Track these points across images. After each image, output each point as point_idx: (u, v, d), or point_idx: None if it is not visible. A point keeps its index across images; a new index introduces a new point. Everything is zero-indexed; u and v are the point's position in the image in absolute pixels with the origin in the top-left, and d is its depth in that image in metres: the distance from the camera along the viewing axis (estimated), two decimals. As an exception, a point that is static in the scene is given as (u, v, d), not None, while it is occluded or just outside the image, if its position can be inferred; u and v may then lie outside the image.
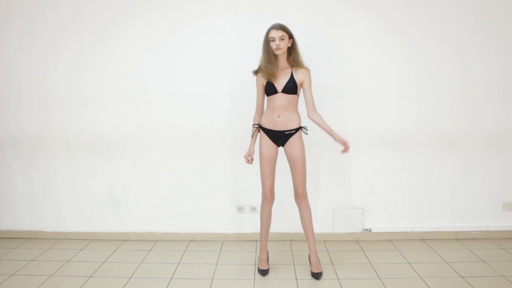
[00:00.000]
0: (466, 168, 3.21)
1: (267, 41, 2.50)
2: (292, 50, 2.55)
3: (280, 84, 2.53)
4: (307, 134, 2.65)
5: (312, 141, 3.16)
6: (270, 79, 2.52)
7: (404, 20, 3.07)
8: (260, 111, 2.66)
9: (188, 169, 3.25)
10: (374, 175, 3.22)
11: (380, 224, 3.28)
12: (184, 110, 3.19)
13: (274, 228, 3.26)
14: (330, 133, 2.58)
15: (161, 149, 3.24)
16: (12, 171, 3.33)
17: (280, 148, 2.65)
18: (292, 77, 2.53)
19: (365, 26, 3.07)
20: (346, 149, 2.57)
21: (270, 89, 2.54)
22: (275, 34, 2.46)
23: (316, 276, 2.62)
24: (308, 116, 2.62)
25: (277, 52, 2.49)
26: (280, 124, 2.55)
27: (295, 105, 2.59)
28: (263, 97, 2.63)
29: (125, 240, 3.33)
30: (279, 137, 2.58)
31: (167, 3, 3.09)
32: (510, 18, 3.07)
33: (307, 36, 3.06)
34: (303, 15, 3.06)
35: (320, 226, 3.27)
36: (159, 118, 3.21)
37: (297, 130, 2.59)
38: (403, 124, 3.16)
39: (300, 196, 2.62)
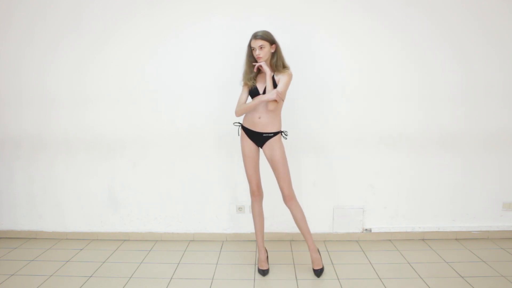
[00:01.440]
0: (466, 168, 3.21)
1: (249, 50, 2.53)
2: (274, 55, 2.54)
3: (262, 87, 2.54)
4: (286, 138, 2.68)
5: (312, 141, 3.17)
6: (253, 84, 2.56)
7: (404, 20, 3.07)
8: (239, 105, 2.62)
9: (188, 169, 3.25)
10: (374, 175, 3.22)
11: (380, 224, 3.28)
12: (184, 110, 3.19)
13: (275, 228, 3.27)
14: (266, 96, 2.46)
15: (161, 149, 3.24)
16: (12, 171, 3.33)
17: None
18: (274, 80, 2.53)
19: (366, 26, 3.07)
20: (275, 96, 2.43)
21: (253, 92, 2.57)
22: (254, 44, 2.49)
23: (317, 273, 2.64)
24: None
25: (259, 61, 2.50)
26: (259, 125, 2.56)
27: (278, 109, 2.58)
28: (247, 96, 2.62)
29: (125, 240, 3.33)
30: (258, 138, 2.59)
31: (167, 3, 3.09)
32: (510, 18, 3.07)
33: (308, 36, 3.06)
34: (303, 16, 3.06)
35: (320, 226, 3.27)
36: (159, 118, 3.21)
37: (275, 134, 2.58)
38: (403, 124, 3.16)
39: (288, 198, 2.61)
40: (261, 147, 2.63)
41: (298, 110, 3.08)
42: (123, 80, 3.18)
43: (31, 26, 3.16)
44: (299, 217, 2.64)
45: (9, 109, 3.26)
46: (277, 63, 2.54)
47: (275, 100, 2.45)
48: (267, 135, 2.57)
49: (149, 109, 3.20)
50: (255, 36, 2.49)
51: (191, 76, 3.16)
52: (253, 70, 2.55)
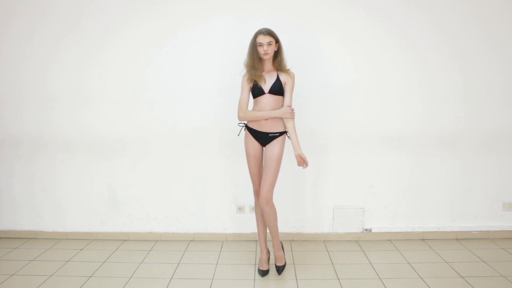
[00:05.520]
0: (466, 168, 3.21)
1: (254, 45, 2.51)
2: (277, 54, 2.57)
3: (267, 85, 2.55)
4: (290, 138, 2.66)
5: (311, 141, 3.17)
6: (255, 82, 2.54)
7: (404, 20, 3.07)
8: (244, 109, 2.58)
9: (188, 169, 3.25)
10: (374, 175, 3.22)
11: (380, 224, 3.28)
12: (185, 110, 3.19)
13: (274, 228, 3.27)
14: (294, 143, 2.56)
15: (161, 149, 3.24)
16: (12, 171, 3.33)
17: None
18: (278, 79, 2.56)
19: (366, 26, 3.07)
20: (303, 163, 2.55)
21: (257, 90, 2.55)
22: (263, 39, 2.47)
23: (279, 269, 2.67)
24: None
25: (265, 57, 2.51)
26: (266, 125, 2.56)
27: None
28: (249, 96, 2.60)
29: (125, 240, 3.33)
30: (263, 138, 2.59)
31: (168, 5, 3.08)
32: (510, 18, 3.07)
33: (307, 37, 3.07)
34: (303, 17, 3.06)
35: (320, 226, 3.27)
36: (159, 118, 3.21)
37: (281, 133, 2.60)
38: (403, 124, 3.16)
39: (264, 199, 2.55)
40: (264, 146, 2.63)
41: (298, 110, 3.08)
42: (123, 80, 3.18)
43: (31, 26, 3.16)
44: (271, 220, 2.62)
45: (9, 109, 3.26)
46: (281, 62, 2.58)
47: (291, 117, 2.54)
48: (273, 135, 2.58)
49: (149, 109, 3.20)
50: (264, 32, 2.48)
51: (192, 77, 3.16)
52: (258, 64, 2.51)
